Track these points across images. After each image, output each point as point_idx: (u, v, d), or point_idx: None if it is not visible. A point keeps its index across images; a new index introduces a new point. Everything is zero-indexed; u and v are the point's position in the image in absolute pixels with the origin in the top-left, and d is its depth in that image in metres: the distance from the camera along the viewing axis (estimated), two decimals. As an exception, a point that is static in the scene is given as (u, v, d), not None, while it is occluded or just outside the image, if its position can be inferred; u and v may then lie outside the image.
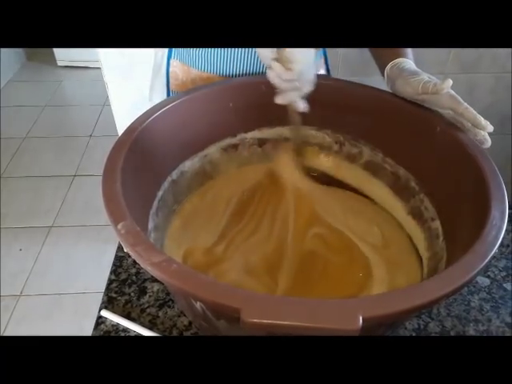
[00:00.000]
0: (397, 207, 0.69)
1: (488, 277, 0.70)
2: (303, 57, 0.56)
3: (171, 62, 0.83)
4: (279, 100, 0.59)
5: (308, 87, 0.60)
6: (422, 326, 0.63)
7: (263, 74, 0.62)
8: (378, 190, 0.71)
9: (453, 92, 0.59)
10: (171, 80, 0.85)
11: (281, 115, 0.65)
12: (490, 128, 0.56)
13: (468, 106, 0.57)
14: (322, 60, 0.89)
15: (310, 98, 0.61)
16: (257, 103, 0.65)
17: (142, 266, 0.43)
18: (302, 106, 0.61)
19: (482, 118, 0.56)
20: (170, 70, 0.84)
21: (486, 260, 0.44)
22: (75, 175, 2.14)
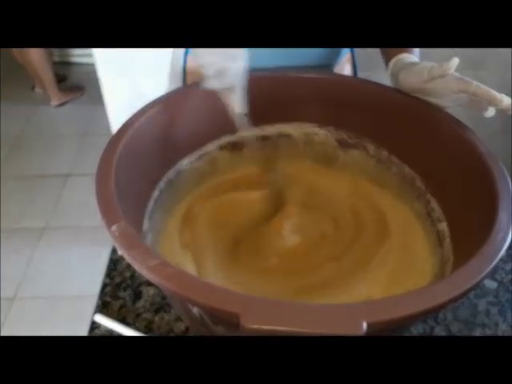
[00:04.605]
0: (402, 207, 0.67)
1: (495, 280, 0.69)
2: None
3: (188, 57, 0.83)
4: (203, 84, 0.58)
5: (232, 76, 0.58)
6: (427, 331, 0.62)
7: (266, 69, 0.61)
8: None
9: (459, 74, 0.57)
10: (188, 76, 0.84)
11: (282, 112, 0.64)
12: (507, 99, 0.54)
13: (478, 84, 0.55)
14: (348, 56, 0.86)
15: (311, 95, 0.60)
16: (257, 99, 0.64)
17: (136, 269, 0.42)
18: (240, 106, 0.60)
19: (496, 92, 0.54)
20: (187, 64, 0.83)
21: (494, 263, 0.43)
22: (69, 175, 2.12)
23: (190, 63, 0.82)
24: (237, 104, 0.60)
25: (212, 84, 0.58)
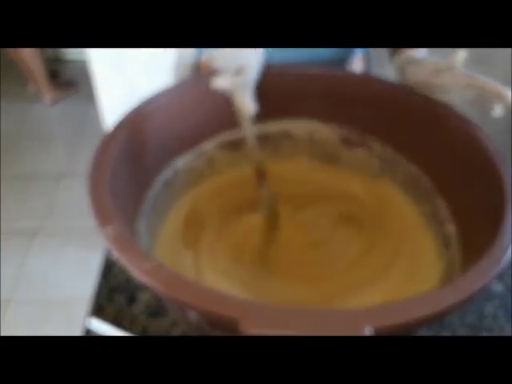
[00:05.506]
0: (408, 208, 0.66)
1: (502, 283, 0.68)
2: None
3: (204, 51, 0.82)
4: (215, 83, 0.56)
5: (249, 74, 0.58)
6: (432, 336, 0.61)
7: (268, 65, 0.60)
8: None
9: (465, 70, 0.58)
10: (201, 69, 0.83)
11: (284, 108, 0.63)
12: (509, 94, 0.54)
13: (486, 78, 0.55)
14: (359, 58, 0.86)
15: (314, 91, 0.59)
16: (258, 95, 0.63)
17: (131, 272, 0.41)
18: (250, 104, 0.59)
19: (503, 87, 0.54)
20: (202, 58, 0.82)
21: (501, 265, 0.42)
22: (63, 175, 2.10)
23: (205, 56, 0.81)
24: (248, 104, 0.59)
25: (224, 83, 0.57)
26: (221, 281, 0.57)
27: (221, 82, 0.57)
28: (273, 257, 0.62)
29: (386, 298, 0.55)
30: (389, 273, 0.59)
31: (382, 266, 0.59)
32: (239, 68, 0.57)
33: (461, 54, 0.56)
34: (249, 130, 0.61)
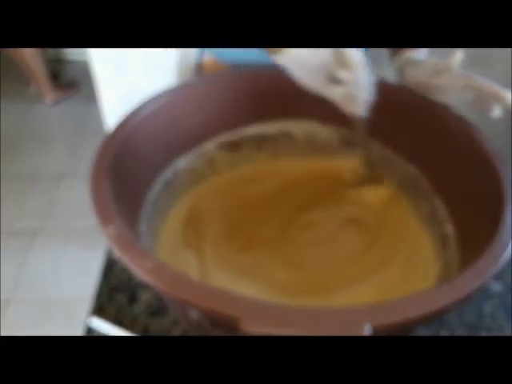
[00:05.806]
0: (407, 208, 0.66)
1: (501, 282, 0.67)
2: (359, 59, 0.54)
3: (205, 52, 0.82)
4: (350, 109, 0.58)
5: (365, 94, 0.57)
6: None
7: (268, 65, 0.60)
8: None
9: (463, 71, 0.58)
10: (205, 69, 0.83)
11: (284, 108, 0.63)
12: (509, 96, 0.54)
13: (483, 80, 0.56)
14: None
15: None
16: (258, 95, 0.63)
17: (132, 271, 0.42)
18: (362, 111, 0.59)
19: (501, 88, 0.54)
20: (204, 58, 0.82)
21: (499, 265, 0.43)
22: (64, 175, 2.10)
23: (207, 57, 0.81)
24: (362, 106, 0.59)
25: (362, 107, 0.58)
26: (221, 277, 0.58)
27: (360, 109, 0.57)
28: (274, 252, 0.62)
29: (380, 294, 0.55)
30: (384, 270, 0.59)
31: (379, 264, 0.60)
32: (359, 86, 0.57)
33: (458, 55, 0.57)
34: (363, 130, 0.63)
